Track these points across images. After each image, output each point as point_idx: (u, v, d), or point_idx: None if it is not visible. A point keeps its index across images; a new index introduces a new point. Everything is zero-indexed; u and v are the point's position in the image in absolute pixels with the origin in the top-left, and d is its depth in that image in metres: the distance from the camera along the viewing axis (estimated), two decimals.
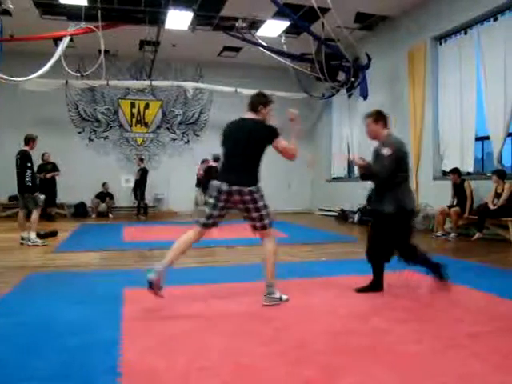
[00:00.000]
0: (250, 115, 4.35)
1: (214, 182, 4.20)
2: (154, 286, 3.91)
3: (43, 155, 12.62)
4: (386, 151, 4.39)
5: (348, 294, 4.63)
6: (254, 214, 4.17)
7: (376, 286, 4.69)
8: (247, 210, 4.18)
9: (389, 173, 4.37)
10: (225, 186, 4.11)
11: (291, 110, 4.48)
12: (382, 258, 4.62)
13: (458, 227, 9.08)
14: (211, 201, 4.19)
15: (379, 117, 4.59)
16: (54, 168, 13.05)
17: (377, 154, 4.58)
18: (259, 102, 4.35)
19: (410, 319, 3.75)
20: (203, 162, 12.30)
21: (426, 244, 8.50)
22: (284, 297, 4.29)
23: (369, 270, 5.84)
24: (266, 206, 4.22)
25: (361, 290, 4.68)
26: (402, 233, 4.46)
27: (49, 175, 12.79)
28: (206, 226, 4.23)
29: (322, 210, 15.84)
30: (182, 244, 4.21)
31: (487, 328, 3.52)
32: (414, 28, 11.14)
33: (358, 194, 13.04)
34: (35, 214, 8.08)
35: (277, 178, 15.81)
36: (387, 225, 4.45)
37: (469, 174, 9.78)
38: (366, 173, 4.61)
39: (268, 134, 4.25)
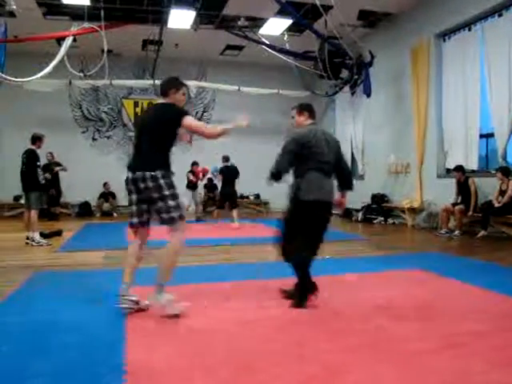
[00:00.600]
0: (160, 100, 4.16)
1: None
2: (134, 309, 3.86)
3: (47, 155, 12.63)
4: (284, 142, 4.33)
5: (351, 291, 4.63)
6: (160, 204, 3.77)
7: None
8: (152, 201, 3.81)
9: (278, 167, 4.20)
10: (130, 175, 3.85)
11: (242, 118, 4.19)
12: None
13: (463, 225, 9.06)
14: (128, 197, 3.98)
15: (303, 109, 4.50)
16: (58, 166, 13.04)
17: None
18: (170, 86, 4.11)
19: (412, 317, 3.75)
20: (194, 164, 12.32)
21: (431, 242, 8.50)
22: (179, 304, 3.81)
23: (374, 267, 5.87)
24: (174, 196, 3.81)
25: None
26: (294, 224, 4.20)
27: (57, 168, 12.77)
28: (131, 225, 3.99)
29: None
30: (130, 257, 4.00)
31: (490, 326, 3.52)
32: (417, 25, 11.11)
33: (361, 191, 13.05)
34: (34, 214, 8.08)
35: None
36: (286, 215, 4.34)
37: (473, 171, 9.74)
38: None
39: (174, 115, 3.94)
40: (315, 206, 4.14)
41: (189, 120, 3.94)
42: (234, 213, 10.61)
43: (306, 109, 4.51)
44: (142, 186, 3.79)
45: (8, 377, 2.65)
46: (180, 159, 14.13)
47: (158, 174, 3.75)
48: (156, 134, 3.90)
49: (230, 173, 11.05)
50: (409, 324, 3.57)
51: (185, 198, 11.51)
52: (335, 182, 4.47)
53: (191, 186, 12.13)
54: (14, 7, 9.81)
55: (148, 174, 3.74)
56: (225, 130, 4.08)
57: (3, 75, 10.03)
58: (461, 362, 2.84)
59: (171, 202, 3.77)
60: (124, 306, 3.80)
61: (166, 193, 3.76)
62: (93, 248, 7.56)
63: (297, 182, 4.21)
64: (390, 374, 2.67)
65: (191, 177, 12.02)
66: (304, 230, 4.15)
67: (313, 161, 4.19)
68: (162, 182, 3.75)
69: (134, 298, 3.86)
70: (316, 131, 4.32)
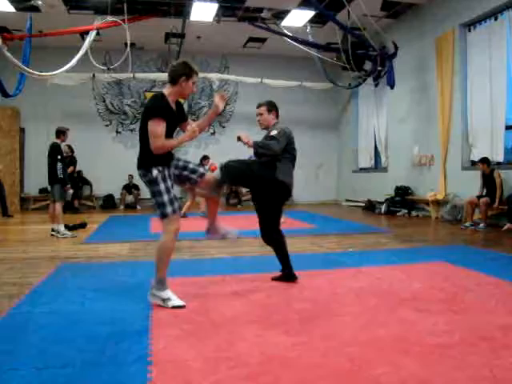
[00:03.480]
0: (165, 89, 3.94)
1: None
2: None
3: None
4: (274, 131, 4.56)
5: (375, 284, 4.60)
6: (152, 200, 3.93)
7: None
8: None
9: (278, 148, 4.48)
10: None
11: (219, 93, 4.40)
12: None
13: (488, 218, 8.93)
14: None
15: (273, 107, 4.79)
16: (71, 162, 12.96)
17: (265, 138, 4.68)
18: (180, 72, 3.83)
19: (437, 310, 3.71)
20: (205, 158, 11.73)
21: (455, 235, 8.40)
22: (175, 302, 3.81)
23: (397, 260, 5.84)
24: (159, 193, 3.83)
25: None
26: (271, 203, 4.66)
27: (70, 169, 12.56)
28: None
29: (348, 200, 15.76)
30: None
31: None
32: (442, 15, 10.94)
33: (385, 184, 12.96)
34: (59, 207, 8.20)
35: (304, 169, 15.76)
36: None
37: (499, 163, 9.58)
38: (257, 150, 4.62)
39: (145, 112, 3.88)
40: (287, 188, 4.61)
41: (150, 126, 3.74)
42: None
43: (274, 107, 4.80)
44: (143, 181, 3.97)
45: (36, 366, 2.69)
46: (194, 153, 14.24)
47: (141, 171, 3.88)
48: (141, 130, 3.88)
49: None
50: (435, 317, 3.53)
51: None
52: None
53: None
54: (40, 2, 9.92)
55: (138, 171, 3.91)
56: (180, 141, 3.97)
57: (28, 69, 10.15)
58: (491, 356, 2.78)
59: (157, 199, 3.85)
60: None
61: (152, 189, 3.86)
62: (117, 240, 7.64)
63: (275, 164, 4.52)
64: (417, 367, 2.64)
65: None
66: (276, 208, 4.66)
67: (290, 154, 4.63)
68: (145, 179, 3.86)
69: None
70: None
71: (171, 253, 3.90)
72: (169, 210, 3.81)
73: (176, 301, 3.80)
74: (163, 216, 3.84)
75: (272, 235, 4.65)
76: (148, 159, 3.83)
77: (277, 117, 4.80)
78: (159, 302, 3.82)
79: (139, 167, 3.89)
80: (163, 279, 3.84)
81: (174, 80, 3.84)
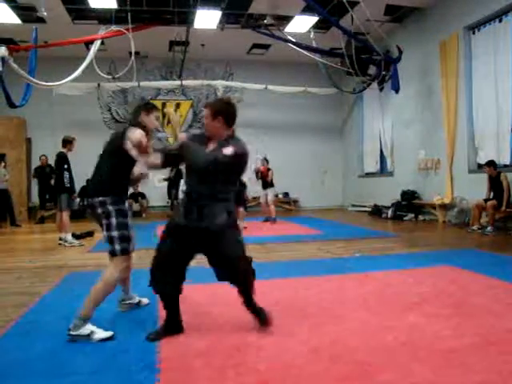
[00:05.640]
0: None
1: None
2: None
3: (40, 158, 12.70)
4: (230, 149, 3.14)
5: (383, 289, 4.58)
6: (104, 233, 3.59)
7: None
8: (102, 228, 3.60)
9: (208, 165, 3.13)
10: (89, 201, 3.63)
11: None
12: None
13: (495, 221, 8.89)
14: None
15: (220, 113, 3.24)
16: (52, 171, 12.51)
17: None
18: (139, 109, 3.85)
19: (446, 314, 3.69)
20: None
21: (462, 238, 8.36)
22: (101, 334, 3.27)
23: (405, 264, 5.81)
24: (125, 226, 3.58)
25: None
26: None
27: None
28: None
29: (354, 205, 15.73)
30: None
31: None
32: (446, 18, 10.94)
33: (391, 188, 12.94)
34: (65, 216, 8.22)
35: (309, 174, 15.76)
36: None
37: (505, 166, 9.55)
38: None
39: (118, 138, 3.69)
40: None
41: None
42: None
43: (223, 113, 3.24)
44: (91, 212, 3.70)
45: (45, 374, 2.71)
46: None
47: (109, 199, 3.56)
48: (110, 156, 3.73)
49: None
50: (443, 321, 3.51)
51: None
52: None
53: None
54: (45, 13, 9.99)
55: (105, 198, 3.55)
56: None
57: (34, 80, 10.21)
58: (499, 361, 2.77)
59: (114, 233, 3.58)
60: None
61: (113, 220, 3.56)
62: None
63: (230, 206, 3.37)
64: (425, 372, 2.63)
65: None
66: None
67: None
68: (110, 208, 3.55)
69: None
70: None
71: (110, 292, 3.53)
72: (131, 247, 3.70)
73: (101, 333, 3.28)
74: (123, 252, 3.61)
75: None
76: (121, 187, 3.66)
77: (229, 127, 3.28)
78: (83, 339, 3.22)
79: (108, 193, 3.52)
80: (88, 318, 3.32)
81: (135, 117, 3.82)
